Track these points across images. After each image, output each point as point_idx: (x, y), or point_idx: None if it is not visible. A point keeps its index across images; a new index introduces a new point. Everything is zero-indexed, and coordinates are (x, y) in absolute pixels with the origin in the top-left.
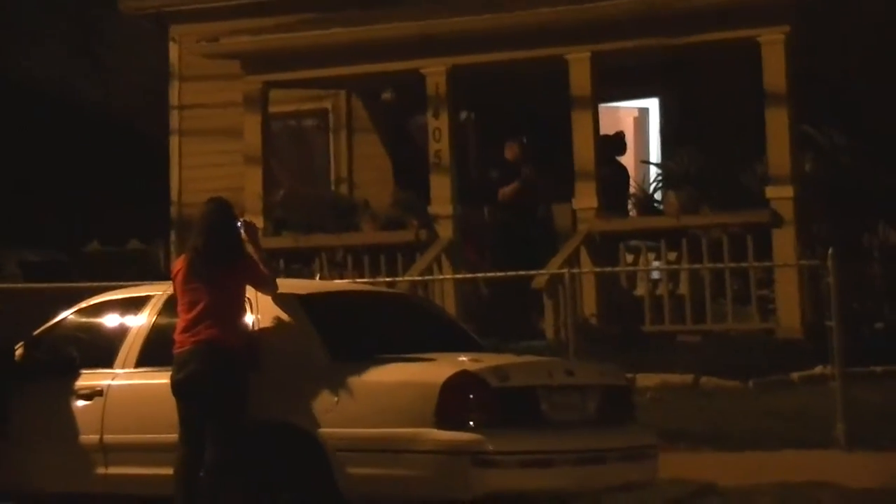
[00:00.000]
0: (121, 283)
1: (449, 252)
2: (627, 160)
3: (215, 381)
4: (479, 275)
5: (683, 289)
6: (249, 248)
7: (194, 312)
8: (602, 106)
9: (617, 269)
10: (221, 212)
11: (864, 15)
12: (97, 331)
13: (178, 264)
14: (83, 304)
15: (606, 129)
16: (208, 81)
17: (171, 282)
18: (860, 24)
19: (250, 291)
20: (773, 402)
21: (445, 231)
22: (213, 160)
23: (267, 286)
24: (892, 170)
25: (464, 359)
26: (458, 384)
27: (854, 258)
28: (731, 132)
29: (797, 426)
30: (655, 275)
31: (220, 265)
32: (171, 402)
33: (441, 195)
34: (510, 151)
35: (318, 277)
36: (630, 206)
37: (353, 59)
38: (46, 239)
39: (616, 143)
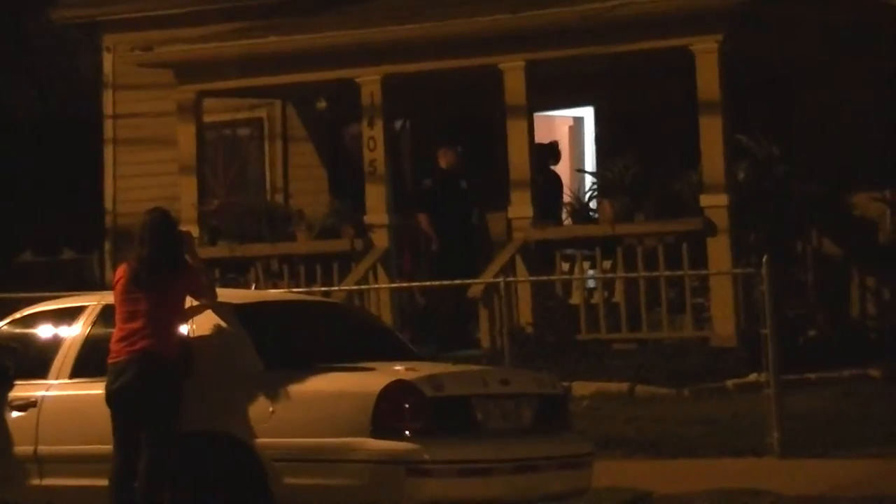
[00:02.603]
0: (54, 294)
1: (384, 261)
2: (563, 169)
3: (150, 390)
4: (415, 283)
5: (618, 297)
6: (187, 258)
7: (133, 322)
8: (537, 114)
9: (552, 277)
10: (164, 221)
11: (797, 23)
12: (31, 342)
13: (119, 273)
14: (16, 315)
15: (542, 137)
16: (142, 90)
17: (104, 292)
18: (793, 32)
19: (186, 300)
20: (708, 409)
21: (381, 240)
22: (147, 170)
23: (207, 296)
24: (824, 178)
25: (399, 368)
26: (393, 393)
27: (787, 266)
28: (665, 141)
29: (732, 434)
30: (591, 283)
31: (163, 275)
32: (106, 412)
33: (376, 204)
34: (444, 159)
35: (253, 287)
36: (565, 215)
37: (286, 68)
38: None
39: (550, 151)
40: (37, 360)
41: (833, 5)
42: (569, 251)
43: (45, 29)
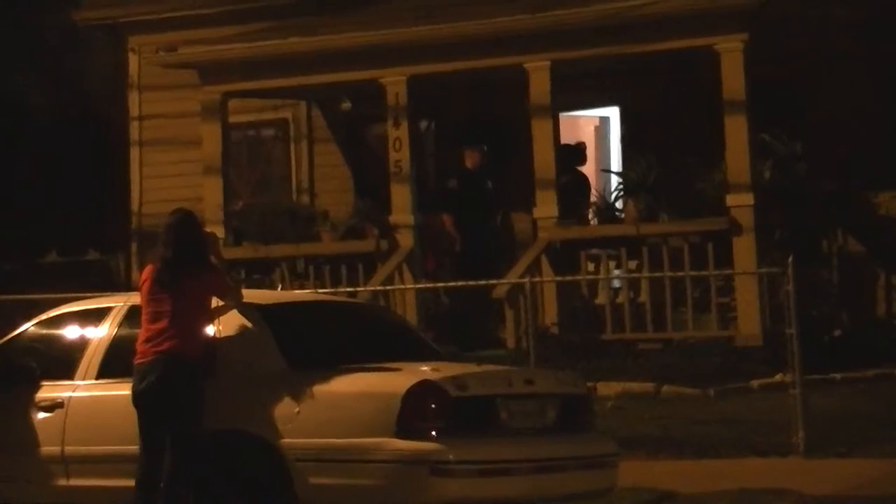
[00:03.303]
0: (80, 295)
1: (409, 261)
2: (588, 169)
3: (174, 391)
4: (440, 284)
5: (644, 297)
6: (212, 259)
7: (158, 323)
8: (562, 115)
9: (577, 277)
10: (188, 222)
11: (820, 20)
12: (58, 342)
13: (144, 274)
14: (43, 316)
15: (567, 137)
16: (167, 91)
17: (129, 293)
18: (816, 29)
19: (212, 301)
20: (732, 409)
21: (405, 240)
22: (172, 170)
23: (231, 296)
24: (847, 176)
25: (424, 368)
26: (418, 393)
27: (813, 265)
28: (689, 140)
29: (757, 433)
30: (616, 283)
31: (187, 275)
32: (132, 413)
33: (401, 204)
34: (470, 159)
35: (279, 288)
36: (591, 215)
37: (311, 69)
38: (1, 250)
39: (576, 153)
40: (64, 361)
41: (852, 2)
42: (594, 251)
43: (67, 30)
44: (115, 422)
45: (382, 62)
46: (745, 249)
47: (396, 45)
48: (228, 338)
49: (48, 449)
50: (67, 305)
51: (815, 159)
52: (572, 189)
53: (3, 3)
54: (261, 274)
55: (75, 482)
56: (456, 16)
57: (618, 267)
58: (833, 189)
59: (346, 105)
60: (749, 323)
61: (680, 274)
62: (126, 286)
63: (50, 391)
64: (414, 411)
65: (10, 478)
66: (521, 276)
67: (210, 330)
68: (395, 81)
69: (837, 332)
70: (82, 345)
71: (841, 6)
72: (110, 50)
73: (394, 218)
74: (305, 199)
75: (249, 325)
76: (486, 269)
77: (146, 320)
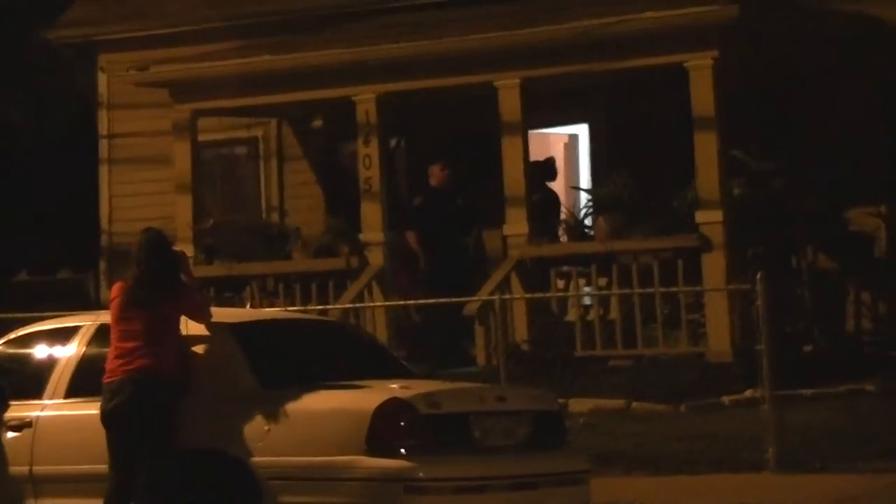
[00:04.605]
0: (50, 314)
1: (380, 279)
2: (558, 186)
3: (146, 410)
4: (411, 302)
5: (614, 314)
6: (182, 277)
7: (128, 341)
8: (532, 132)
9: (548, 294)
10: (159, 241)
11: (792, 37)
12: (26, 362)
13: (114, 292)
14: (12, 335)
15: (537, 154)
16: (138, 110)
17: (99, 312)
18: (788, 46)
19: (182, 320)
20: (704, 425)
21: (376, 258)
22: (143, 189)
23: (201, 315)
24: (820, 193)
25: (394, 386)
26: (388, 411)
27: (783, 281)
28: (660, 157)
29: (729, 449)
30: (586, 300)
31: (158, 294)
32: (101, 432)
33: (372, 222)
34: (434, 177)
35: (248, 306)
36: (561, 232)
37: (282, 87)
38: None
39: (547, 169)
40: (32, 380)
41: (826, 19)
42: (564, 268)
43: (43, 48)
44: (83, 441)
45: (353, 80)
46: (715, 266)
47: (367, 63)
48: (199, 356)
49: (16, 469)
50: (37, 324)
51: (790, 175)
52: (543, 206)
53: None
54: (232, 292)
55: (44, 502)
56: (426, 34)
57: (588, 284)
58: (806, 205)
59: (317, 122)
60: (720, 339)
61: (650, 291)
62: (96, 305)
63: (18, 410)
64: (384, 429)
65: None
66: (492, 294)
67: (181, 349)
68: (365, 99)
69: (808, 348)
70: (51, 363)
71: (815, 22)
72: (84, 69)
73: (364, 236)
74: (276, 217)
75: (220, 343)
76: (455, 286)
77: (116, 339)
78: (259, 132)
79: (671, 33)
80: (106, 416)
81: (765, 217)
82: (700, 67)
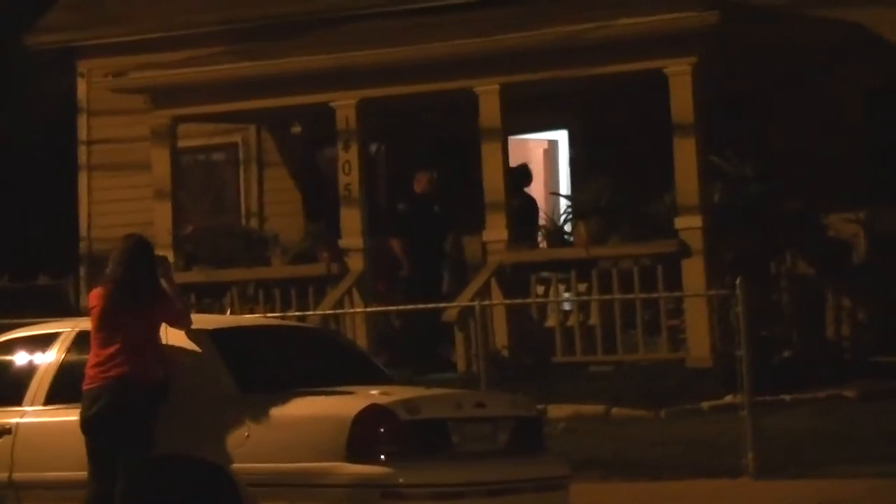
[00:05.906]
0: (30, 320)
1: (360, 284)
2: (538, 192)
3: (125, 416)
4: (391, 307)
5: (594, 319)
6: (162, 283)
7: (108, 347)
8: (512, 138)
9: (528, 300)
10: (140, 247)
11: (771, 43)
12: (6, 368)
13: (93, 298)
14: None
15: (517, 160)
16: (117, 116)
17: (78, 318)
18: (767, 52)
19: (162, 326)
20: (683, 431)
21: (356, 264)
22: (122, 195)
23: (181, 321)
24: (799, 198)
25: (374, 392)
26: (368, 417)
27: (762, 286)
28: (640, 163)
29: (708, 455)
30: (566, 306)
31: (139, 300)
32: (81, 438)
33: (352, 228)
34: (418, 184)
35: (228, 312)
36: (540, 238)
37: (261, 93)
38: None
39: (522, 174)
40: (11, 387)
41: (806, 25)
42: (544, 274)
43: (21, 53)
44: (63, 448)
45: (332, 85)
46: (694, 271)
47: (346, 69)
48: (179, 362)
49: None
50: (15, 331)
51: (769, 181)
52: (522, 212)
53: None
54: (212, 298)
55: None
56: (405, 40)
57: (568, 290)
58: (784, 211)
59: (296, 128)
60: (699, 345)
61: (630, 297)
62: (76, 311)
63: None
64: (363, 435)
65: None
66: (472, 300)
67: (161, 355)
68: (345, 105)
69: (787, 354)
70: (31, 370)
71: (794, 28)
72: (63, 74)
73: (344, 241)
74: (256, 223)
75: (200, 350)
76: (436, 293)
77: (96, 344)
78: (238, 138)
79: (651, 39)
80: (86, 423)
81: (744, 223)
82: (679, 73)
